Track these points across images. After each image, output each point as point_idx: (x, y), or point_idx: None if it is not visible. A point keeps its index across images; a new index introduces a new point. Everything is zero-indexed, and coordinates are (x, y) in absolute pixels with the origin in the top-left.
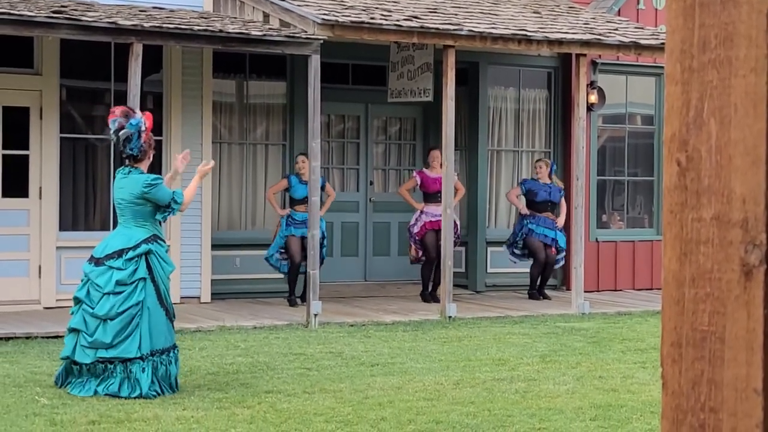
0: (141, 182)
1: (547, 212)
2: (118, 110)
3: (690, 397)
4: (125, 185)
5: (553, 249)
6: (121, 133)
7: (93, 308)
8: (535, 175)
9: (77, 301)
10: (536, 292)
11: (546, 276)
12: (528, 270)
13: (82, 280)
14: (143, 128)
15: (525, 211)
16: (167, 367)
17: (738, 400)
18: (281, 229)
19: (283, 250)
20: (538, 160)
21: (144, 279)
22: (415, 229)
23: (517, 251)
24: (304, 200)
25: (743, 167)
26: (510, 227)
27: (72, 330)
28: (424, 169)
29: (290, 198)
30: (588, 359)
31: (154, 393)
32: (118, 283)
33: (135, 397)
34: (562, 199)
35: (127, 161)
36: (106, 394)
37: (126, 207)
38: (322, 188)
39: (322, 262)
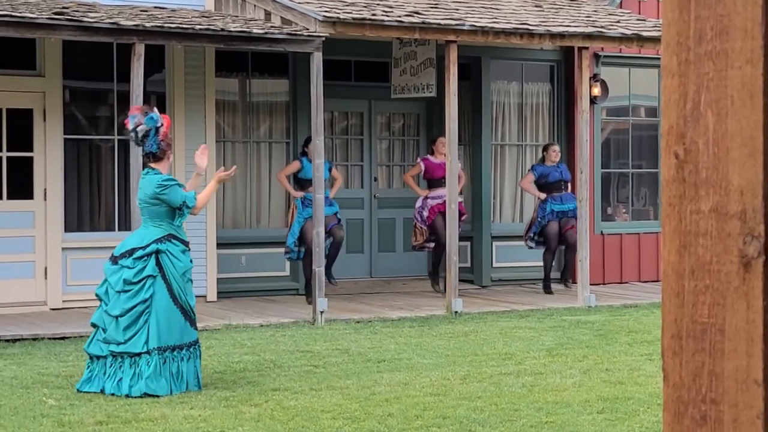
0: (155, 183)
1: (561, 191)
2: (136, 109)
3: (691, 388)
4: (143, 186)
5: (575, 227)
6: (139, 128)
7: (107, 305)
8: (548, 160)
9: (99, 297)
10: (560, 279)
11: (569, 259)
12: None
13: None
14: (160, 124)
15: (542, 196)
16: (179, 363)
17: (739, 391)
18: (298, 213)
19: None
20: (549, 144)
21: (153, 277)
22: (425, 213)
23: (535, 237)
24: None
25: (741, 159)
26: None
27: (93, 325)
28: (428, 156)
29: (301, 181)
30: (594, 352)
31: (155, 388)
32: (126, 281)
33: (140, 395)
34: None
35: (146, 160)
36: (111, 394)
37: (144, 207)
38: (329, 170)
39: (338, 251)
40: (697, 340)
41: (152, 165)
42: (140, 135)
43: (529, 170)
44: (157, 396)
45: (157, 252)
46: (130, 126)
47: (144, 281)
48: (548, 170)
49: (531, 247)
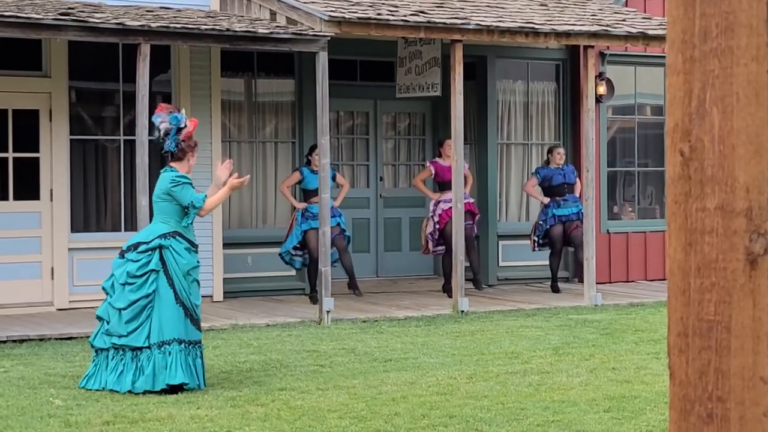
0: (168, 179)
1: (565, 195)
2: (162, 107)
3: (697, 386)
4: (158, 182)
5: (579, 225)
6: (162, 126)
7: (112, 298)
8: (552, 163)
9: (105, 291)
10: (555, 284)
11: (579, 257)
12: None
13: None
14: (183, 125)
15: (545, 200)
16: (186, 356)
17: (745, 388)
18: (297, 224)
19: (298, 246)
20: (553, 147)
21: (156, 271)
22: (436, 220)
23: (539, 240)
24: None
25: (746, 156)
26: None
27: (98, 317)
28: (437, 159)
29: (304, 191)
30: (601, 351)
31: (154, 383)
32: (129, 274)
33: (143, 392)
34: (577, 179)
35: (167, 158)
36: (112, 390)
37: (156, 203)
38: (333, 179)
39: (350, 262)
40: (703, 337)
41: (172, 164)
42: (162, 133)
43: (532, 174)
44: (155, 392)
45: (161, 247)
46: (155, 123)
47: (147, 275)
48: (552, 173)
49: (534, 250)
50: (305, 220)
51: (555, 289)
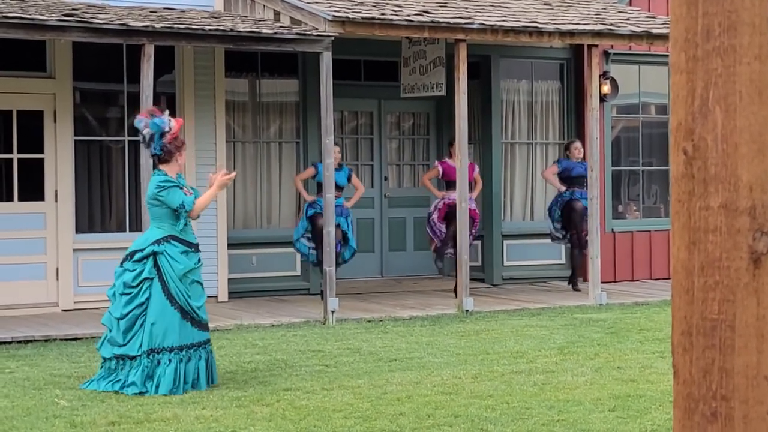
0: (154, 185)
1: (583, 188)
2: (144, 113)
3: (701, 385)
4: (148, 187)
5: (586, 231)
6: (145, 131)
7: (112, 307)
8: (572, 157)
9: (110, 298)
10: (573, 282)
11: (576, 264)
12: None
13: None
14: (166, 129)
15: (562, 188)
16: (177, 364)
17: (749, 387)
18: (304, 213)
19: (310, 236)
20: (571, 142)
21: (150, 279)
22: (435, 215)
23: (557, 225)
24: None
25: (749, 155)
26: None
27: (104, 326)
28: (446, 159)
29: (317, 185)
30: (606, 350)
31: (141, 389)
32: (125, 285)
33: (134, 394)
34: None
35: (155, 161)
36: (104, 391)
37: (148, 208)
38: (348, 179)
39: (352, 256)
40: (707, 336)
41: (161, 167)
42: (147, 138)
43: (554, 162)
44: (143, 394)
45: (155, 254)
46: (137, 127)
47: (141, 284)
48: (572, 165)
49: (558, 237)
50: (312, 208)
51: (575, 287)
